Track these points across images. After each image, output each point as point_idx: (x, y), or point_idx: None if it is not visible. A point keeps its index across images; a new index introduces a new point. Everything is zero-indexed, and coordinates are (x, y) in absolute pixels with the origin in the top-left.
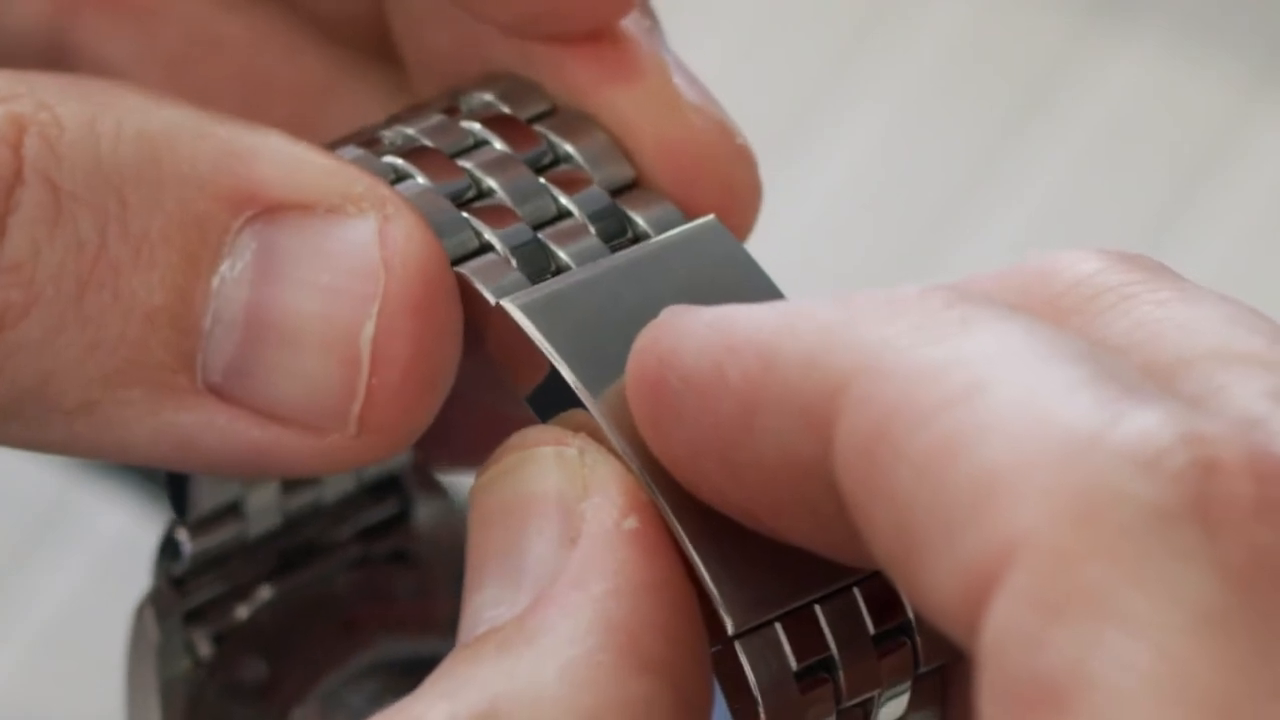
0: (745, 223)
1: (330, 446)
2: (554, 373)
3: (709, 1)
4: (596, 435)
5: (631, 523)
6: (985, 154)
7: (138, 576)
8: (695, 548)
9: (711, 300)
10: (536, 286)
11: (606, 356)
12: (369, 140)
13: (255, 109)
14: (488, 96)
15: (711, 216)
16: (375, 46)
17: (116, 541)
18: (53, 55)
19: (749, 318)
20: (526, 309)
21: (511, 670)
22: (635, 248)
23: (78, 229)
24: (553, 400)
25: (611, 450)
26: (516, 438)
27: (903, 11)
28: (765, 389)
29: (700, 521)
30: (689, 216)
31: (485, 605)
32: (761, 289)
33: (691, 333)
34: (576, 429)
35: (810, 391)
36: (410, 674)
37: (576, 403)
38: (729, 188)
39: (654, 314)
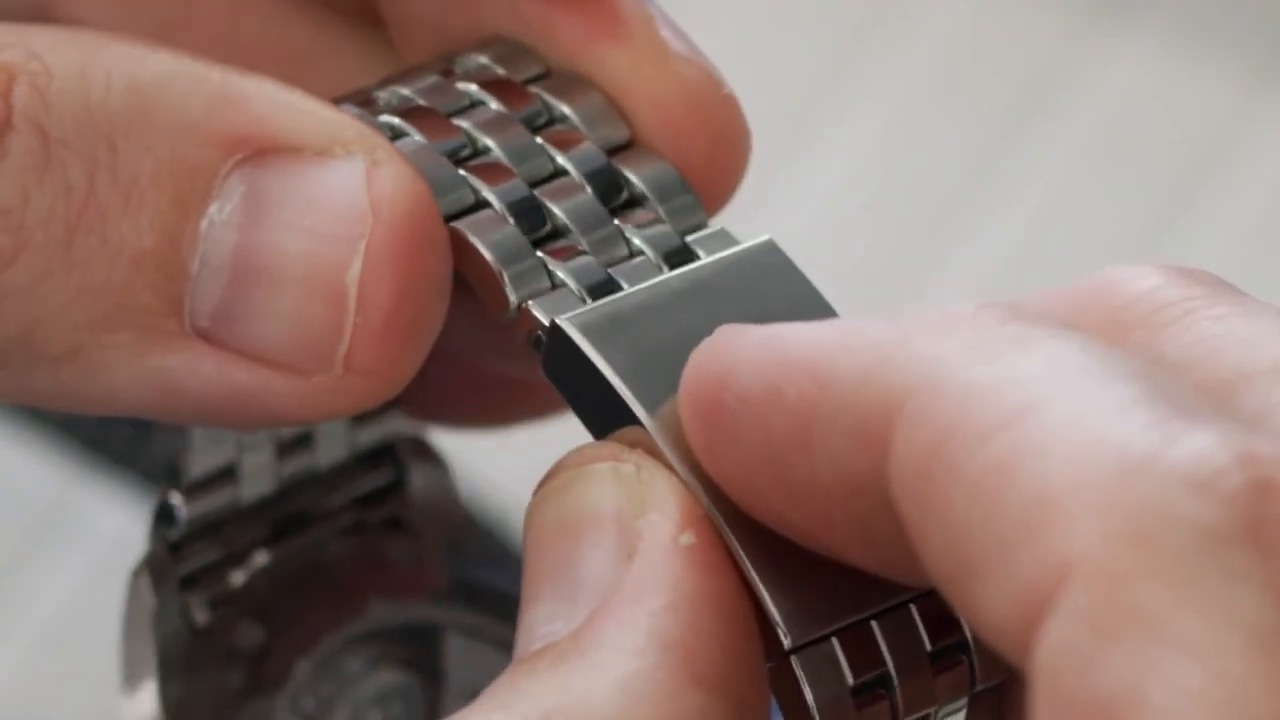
0: (736, 171)
1: (316, 389)
2: (609, 390)
3: (709, 1)
4: (652, 452)
5: (688, 538)
6: (985, 154)
7: None
8: (752, 563)
9: (767, 320)
10: (591, 306)
11: (661, 375)
12: (364, 100)
13: None
14: (482, 59)
15: (768, 237)
16: (358, 9)
17: (116, 541)
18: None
19: (804, 335)
20: (584, 328)
21: (566, 684)
22: (689, 267)
23: (67, 175)
24: (608, 418)
25: (668, 467)
26: (572, 455)
27: (903, 11)
28: (821, 406)
29: (757, 537)
30: (683, 174)
31: (541, 620)
32: (817, 310)
33: (746, 351)
34: (632, 446)
35: (866, 408)
36: (405, 640)
37: (631, 420)
38: (720, 136)
39: (708, 333)
